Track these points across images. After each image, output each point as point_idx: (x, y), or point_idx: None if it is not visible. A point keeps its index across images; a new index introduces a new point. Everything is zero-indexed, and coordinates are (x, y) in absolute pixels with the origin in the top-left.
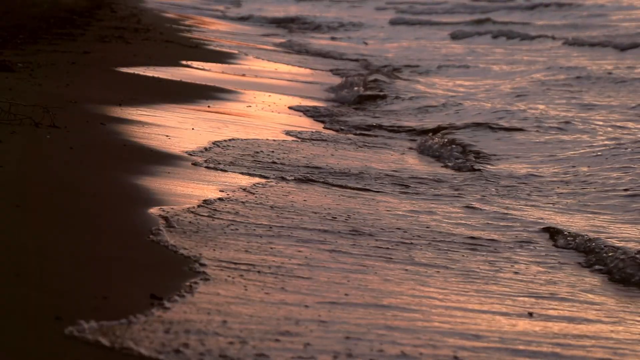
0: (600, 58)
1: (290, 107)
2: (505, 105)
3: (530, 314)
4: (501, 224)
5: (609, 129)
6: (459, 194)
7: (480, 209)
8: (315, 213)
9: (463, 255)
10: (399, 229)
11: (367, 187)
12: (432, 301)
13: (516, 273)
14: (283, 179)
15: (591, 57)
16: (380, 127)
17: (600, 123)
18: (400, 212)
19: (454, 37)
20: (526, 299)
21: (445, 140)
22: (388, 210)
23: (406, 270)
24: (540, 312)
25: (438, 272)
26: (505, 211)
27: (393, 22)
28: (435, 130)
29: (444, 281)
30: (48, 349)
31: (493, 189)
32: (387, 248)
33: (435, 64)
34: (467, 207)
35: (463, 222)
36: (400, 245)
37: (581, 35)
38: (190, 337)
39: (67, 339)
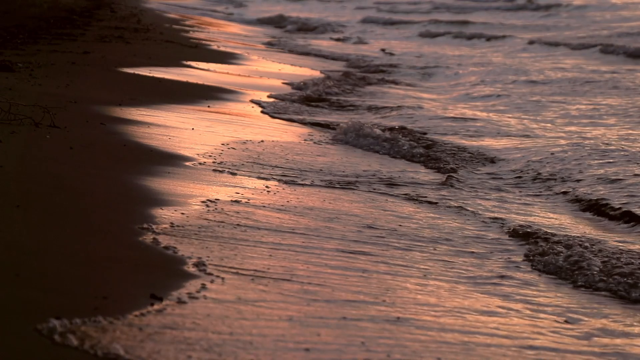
0: (557, 58)
1: (252, 100)
2: (466, 111)
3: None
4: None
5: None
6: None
7: (502, 219)
8: (333, 218)
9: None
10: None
11: (353, 187)
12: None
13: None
14: (294, 182)
15: (552, 58)
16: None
17: (552, 125)
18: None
19: (422, 36)
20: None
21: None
22: (401, 216)
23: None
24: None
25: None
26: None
27: (365, 21)
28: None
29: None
30: (44, 349)
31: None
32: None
33: (419, 64)
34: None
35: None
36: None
37: (544, 36)
38: (175, 343)
39: (56, 344)
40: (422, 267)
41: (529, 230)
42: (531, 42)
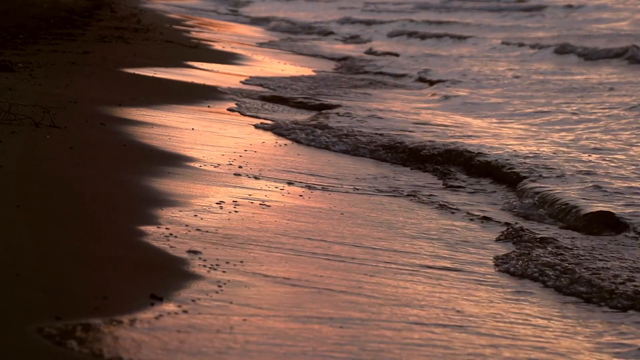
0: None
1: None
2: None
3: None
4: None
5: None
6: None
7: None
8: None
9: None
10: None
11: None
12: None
13: None
14: (317, 187)
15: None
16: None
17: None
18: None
19: (390, 35)
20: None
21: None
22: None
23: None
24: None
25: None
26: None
27: (341, 22)
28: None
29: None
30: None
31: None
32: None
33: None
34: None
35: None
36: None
37: (519, 37)
38: (181, 346)
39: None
40: (478, 277)
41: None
42: (505, 43)
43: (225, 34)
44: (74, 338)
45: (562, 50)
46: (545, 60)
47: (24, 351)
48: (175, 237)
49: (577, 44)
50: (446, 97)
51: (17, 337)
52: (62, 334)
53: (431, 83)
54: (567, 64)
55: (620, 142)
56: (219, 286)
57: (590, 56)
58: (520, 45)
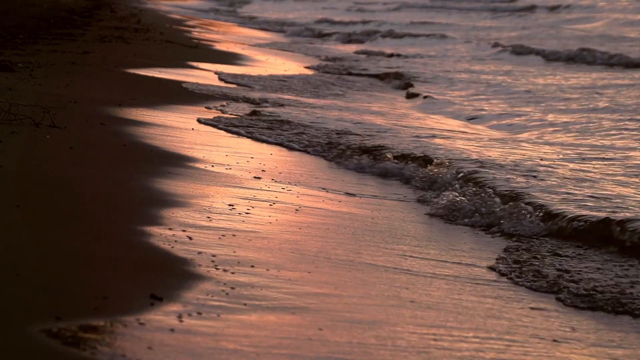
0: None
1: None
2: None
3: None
4: None
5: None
6: None
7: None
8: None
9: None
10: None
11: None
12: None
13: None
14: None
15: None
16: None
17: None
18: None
19: (381, 35)
20: None
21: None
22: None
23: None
24: None
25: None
26: None
27: (318, 22)
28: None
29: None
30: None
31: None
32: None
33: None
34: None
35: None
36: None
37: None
38: (183, 350)
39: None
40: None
41: None
42: (478, 42)
43: (226, 35)
44: (73, 338)
45: (519, 51)
46: (505, 61)
47: (23, 351)
48: (177, 237)
49: (540, 46)
50: (424, 98)
51: (17, 337)
52: (62, 334)
53: (408, 84)
54: (525, 65)
55: (614, 148)
56: (224, 287)
57: (548, 57)
58: (494, 45)
